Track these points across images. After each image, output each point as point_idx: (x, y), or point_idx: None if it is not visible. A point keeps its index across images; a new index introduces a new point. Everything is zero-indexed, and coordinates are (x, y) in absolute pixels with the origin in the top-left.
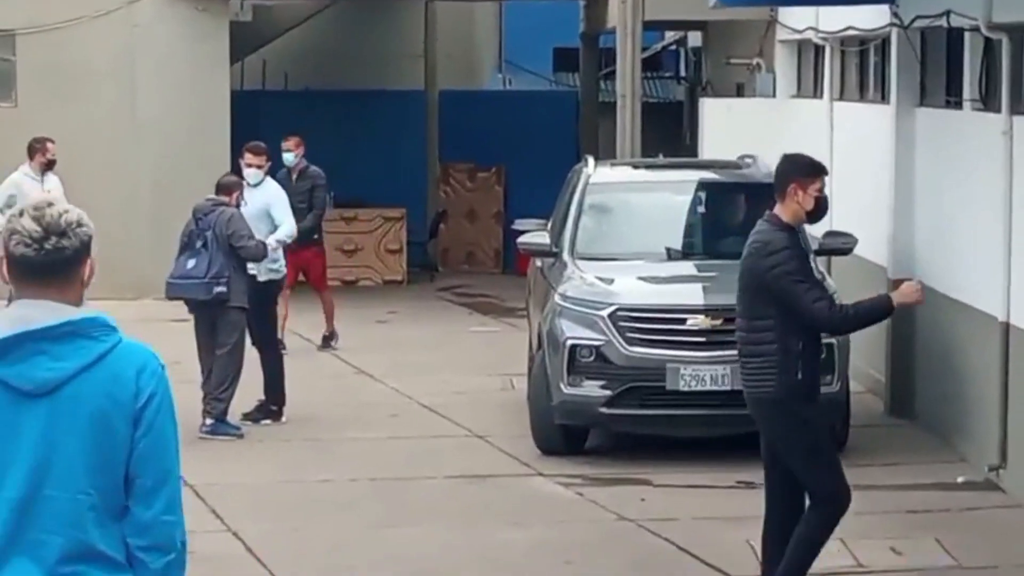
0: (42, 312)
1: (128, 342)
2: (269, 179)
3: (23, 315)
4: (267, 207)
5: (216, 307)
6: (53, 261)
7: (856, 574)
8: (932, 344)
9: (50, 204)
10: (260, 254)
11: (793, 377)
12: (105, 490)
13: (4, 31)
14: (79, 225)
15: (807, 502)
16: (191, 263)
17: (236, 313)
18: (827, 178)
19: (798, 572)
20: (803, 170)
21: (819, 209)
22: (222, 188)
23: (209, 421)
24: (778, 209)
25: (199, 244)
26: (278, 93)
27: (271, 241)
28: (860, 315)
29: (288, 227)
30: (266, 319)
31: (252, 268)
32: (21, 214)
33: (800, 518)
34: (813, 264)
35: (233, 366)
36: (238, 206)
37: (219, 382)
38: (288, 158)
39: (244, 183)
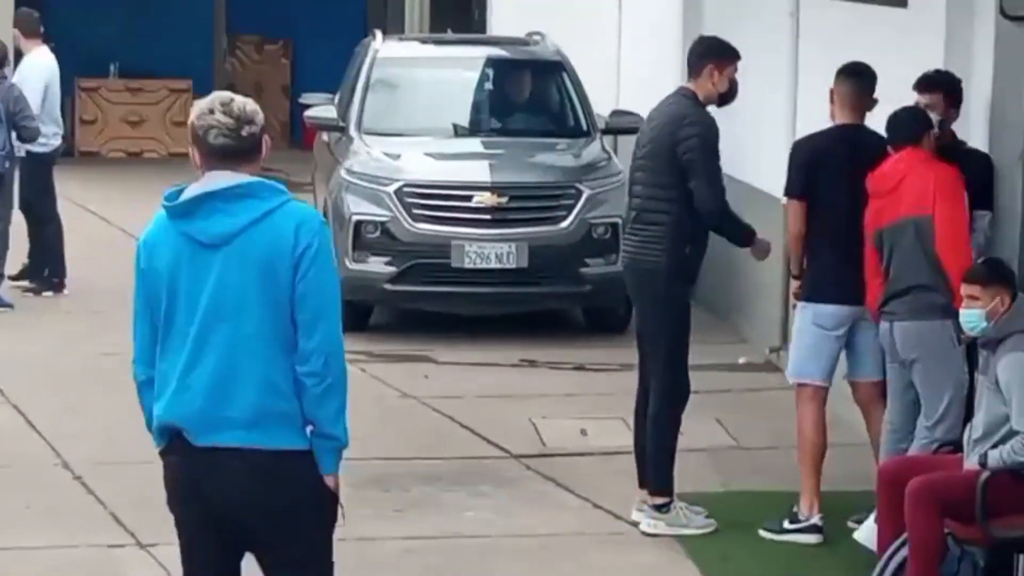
0: (223, 179)
1: (293, 203)
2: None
3: (208, 182)
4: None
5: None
6: (249, 145)
7: (543, 456)
8: None
9: (232, 99)
10: (37, 135)
11: (681, 252)
12: (274, 325)
13: None
14: (256, 112)
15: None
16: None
17: (10, 188)
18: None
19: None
20: (722, 52)
21: (731, 92)
22: None
23: None
24: (692, 86)
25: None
26: None
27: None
28: (731, 224)
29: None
30: (47, 191)
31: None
32: (212, 111)
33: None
34: None
35: (3, 241)
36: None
37: None
38: None
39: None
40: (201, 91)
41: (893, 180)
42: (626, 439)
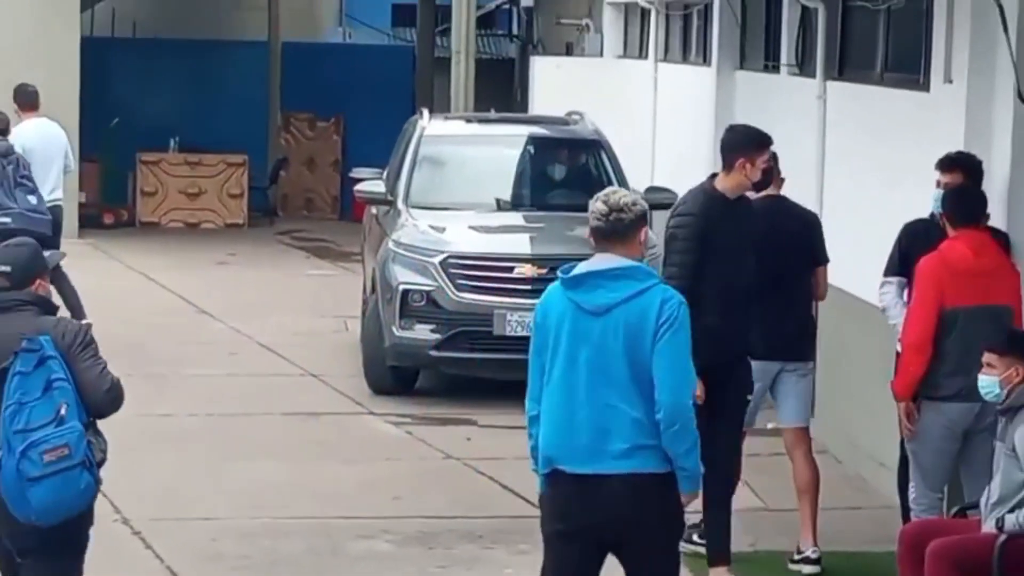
0: (605, 261)
1: (660, 284)
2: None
3: (593, 262)
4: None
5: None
6: (619, 229)
7: None
8: None
9: (615, 191)
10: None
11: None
12: (639, 378)
13: None
14: (634, 204)
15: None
16: (32, 199)
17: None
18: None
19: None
20: (752, 144)
21: (765, 180)
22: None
23: None
24: (720, 177)
25: (29, 182)
26: (127, 41)
27: None
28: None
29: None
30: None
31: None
32: (597, 199)
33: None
34: (741, 237)
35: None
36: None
37: None
38: None
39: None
40: (257, 165)
41: (974, 262)
42: None
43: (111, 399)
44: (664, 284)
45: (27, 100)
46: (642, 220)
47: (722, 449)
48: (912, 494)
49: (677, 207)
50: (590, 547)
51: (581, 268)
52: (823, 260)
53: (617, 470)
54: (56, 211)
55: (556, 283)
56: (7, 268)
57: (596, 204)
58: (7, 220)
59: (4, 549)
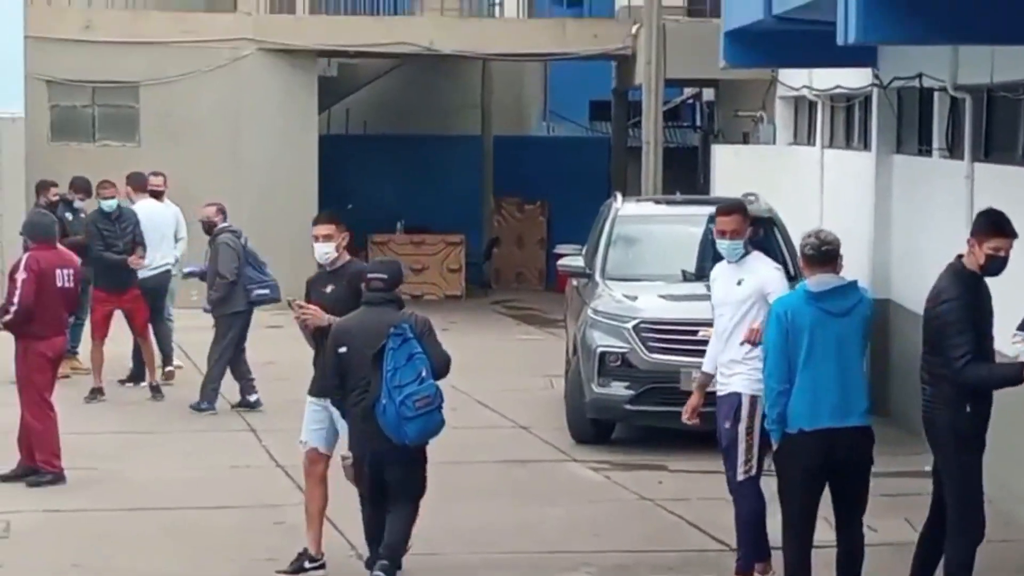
0: (831, 279)
1: (868, 294)
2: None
3: (822, 279)
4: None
5: None
6: (825, 256)
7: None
8: (903, 352)
9: (821, 230)
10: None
11: (961, 410)
12: (861, 358)
13: (130, 82)
14: (835, 240)
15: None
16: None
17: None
18: (1012, 240)
19: None
20: (981, 227)
21: (990, 267)
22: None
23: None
24: (966, 255)
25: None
26: (359, 137)
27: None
28: (989, 377)
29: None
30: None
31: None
32: (809, 235)
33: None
34: (982, 314)
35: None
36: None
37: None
38: (110, 204)
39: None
40: (473, 243)
41: None
42: (829, 534)
43: (446, 368)
44: (864, 291)
45: (138, 183)
46: (837, 252)
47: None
48: None
49: (939, 295)
50: (820, 484)
51: (819, 286)
52: None
53: (858, 423)
54: (164, 275)
55: (798, 295)
56: (384, 276)
57: (809, 239)
58: (265, 292)
59: (375, 461)
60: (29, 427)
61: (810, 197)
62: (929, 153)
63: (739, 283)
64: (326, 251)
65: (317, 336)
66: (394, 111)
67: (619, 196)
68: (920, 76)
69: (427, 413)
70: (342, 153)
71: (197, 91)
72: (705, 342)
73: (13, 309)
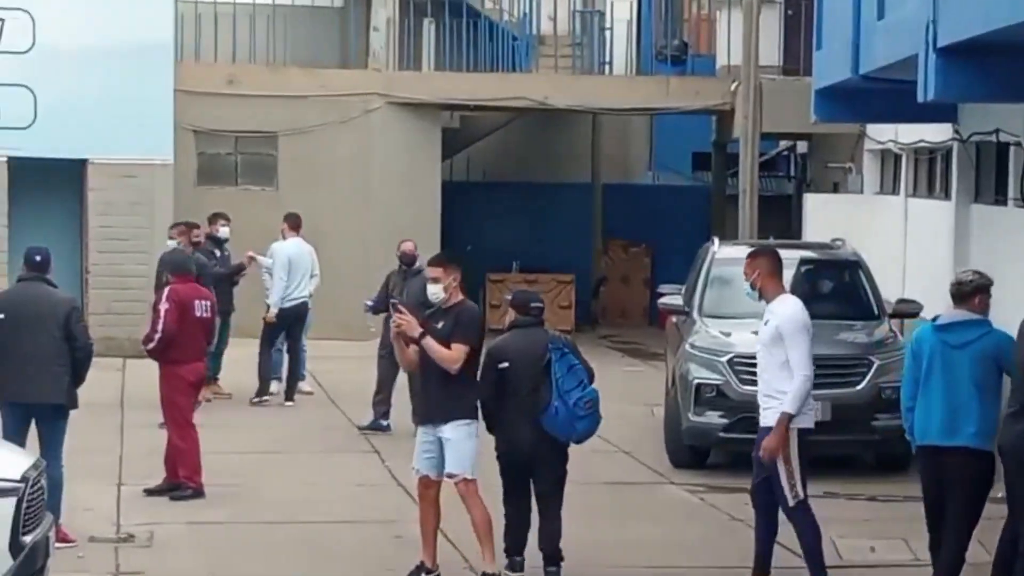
0: (958, 315)
1: (997, 331)
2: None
3: (952, 314)
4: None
5: None
6: (959, 294)
7: (839, 567)
8: None
9: (964, 272)
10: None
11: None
12: (978, 387)
13: (269, 132)
14: (970, 281)
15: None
16: None
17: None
18: None
19: None
20: None
21: None
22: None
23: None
24: None
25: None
26: (479, 184)
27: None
28: None
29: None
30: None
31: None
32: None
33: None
34: None
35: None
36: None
37: None
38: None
39: None
40: (582, 282)
41: None
42: (907, 555)
43: (593, 377)
44: (997, 329)
45: (294, 223)
46: (976, 291)
47: None
48: None
49: None
50: (936, 493)
51: (944, 319)
52: None
53: (966, 443)
54: (303, 306)
55: (927, 327)
56: (542, 304)
57: (952, 280)
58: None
59: (529, 460)
60: (174, 446)
61: (894, 242)
62: (1005, 202)
63: (766, 323)
64: (435, 291)
65: (406, 343)
66: (511, 160)
67: (716, 240)
68: (997, 131)
69: (593, 413)
70: (463, 199)
71: (331, 140)
72: None
73: (157, 337)
